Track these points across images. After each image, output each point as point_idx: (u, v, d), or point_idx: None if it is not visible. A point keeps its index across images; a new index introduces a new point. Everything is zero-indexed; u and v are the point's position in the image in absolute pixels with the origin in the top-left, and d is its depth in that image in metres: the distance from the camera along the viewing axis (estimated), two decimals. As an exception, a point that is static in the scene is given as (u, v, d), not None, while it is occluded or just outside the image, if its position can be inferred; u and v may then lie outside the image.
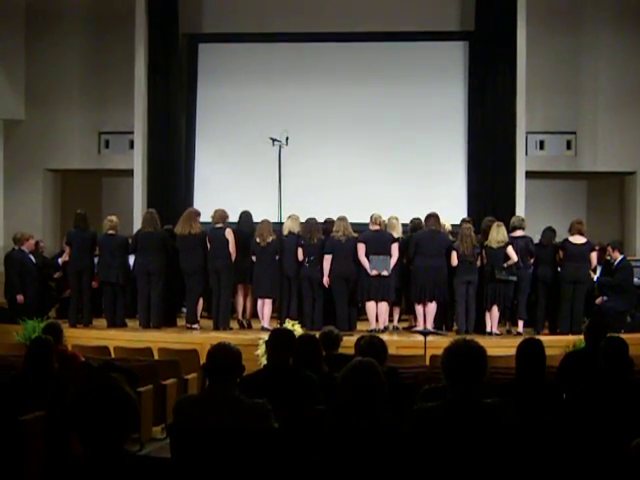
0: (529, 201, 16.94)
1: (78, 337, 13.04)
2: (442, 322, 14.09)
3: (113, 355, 11.00)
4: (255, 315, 14.28)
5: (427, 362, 10.33)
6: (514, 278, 13.58)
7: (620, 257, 14.34)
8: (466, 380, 4.64)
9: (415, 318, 14.02)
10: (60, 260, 15.27)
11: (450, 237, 14.05)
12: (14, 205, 18.75)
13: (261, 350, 11.79)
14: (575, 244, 13.70)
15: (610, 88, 17.92)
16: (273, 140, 12.53)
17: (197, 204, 16.88)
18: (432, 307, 13.67)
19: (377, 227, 13.81)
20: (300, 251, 13.85)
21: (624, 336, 7.45)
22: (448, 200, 17.19)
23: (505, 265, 13.47)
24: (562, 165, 18.22)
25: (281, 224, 13.55)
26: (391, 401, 4.79)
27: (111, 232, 14.29)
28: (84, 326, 14.23)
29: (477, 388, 4.66)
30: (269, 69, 18.26)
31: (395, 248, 13.69)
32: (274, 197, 12.56)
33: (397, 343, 12.59)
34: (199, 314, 14.25)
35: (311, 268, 13.79)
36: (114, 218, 14.45)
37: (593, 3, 18.04)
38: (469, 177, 17.89)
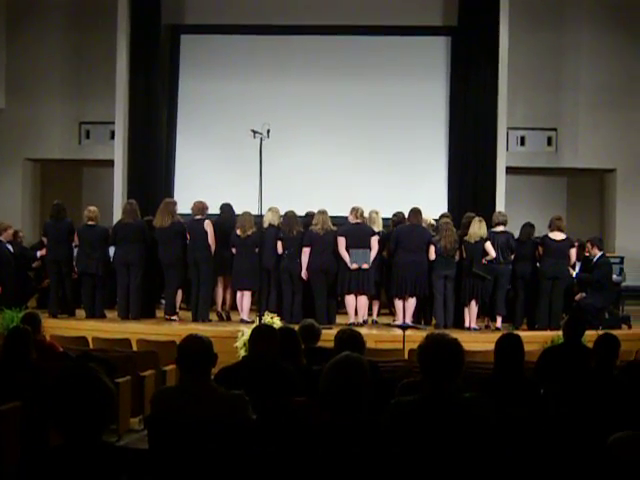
0: (509, 197, 16.99)
1: (56, 327, 13.03)
2: (421, 316, 14.14)
3: (91, 346, 10.97)
4: (234, 307, 14.30)
5: (406, 356, 10.34)
6: (489, 277, 13.61)
7: (599, 254, 14.39)
8: (442, 374, 4.64)
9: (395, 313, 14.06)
10: (39, 253, 15.22)
11: (431, 232, 14.07)
12: (-6, 194, 18.68)
13: (240, 342, 11.79)
14: (554, 240, 13.74)
15: (591, 85, 18.00)
16: (254, 132, 12.49)
17: (177, 195, 16.83)
18: (412, 302, 13.70)
19: (357, 220, 13.83)
20: (279, 244, 13.86)
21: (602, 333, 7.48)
22: (428, 195, 17.20)
23: (484, 261, 13.52)
24: (542, 161, 18.29)
25: (262, 216, 13.55)
26: (371, 395, 4.79)
27: (91, 223, 14.25)
28: (68, 316, 14.25)
29: (454, 382, 4.66)
30: (251, 61, 18.23)
31: (375, 241, 13.71)
32: (255, 189, 12.54)
33: (376, 337, 12.61)
34: (178, 306, 14.25)
35: (290, 261, 13.80)
36: (93, 209, 14.41)
37: (574, 1, 18.10)
38: (450, 172, 17.93)
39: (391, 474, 4.40)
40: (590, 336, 8.15)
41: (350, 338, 6.82)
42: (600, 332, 7.71)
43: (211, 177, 17.83)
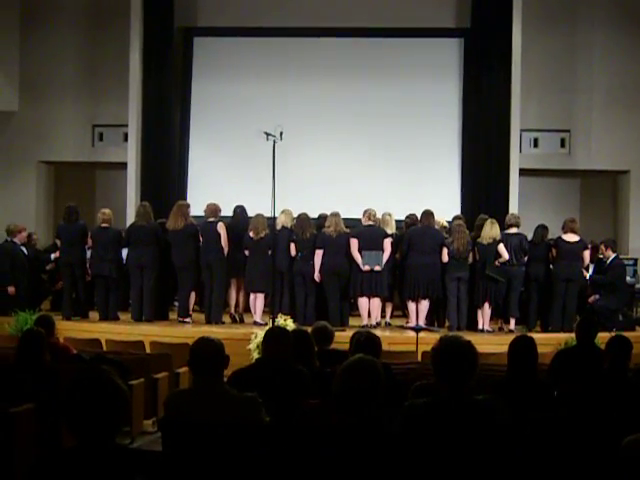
0: (522, 199, 16.95)
1: (70, 330, 13.03)
2: (434, 318, 14.12)
3: (105, 348, 10.98)
4: (247, 309, 14.29)
5: (419, 358, 10.33)
6: (502, 279, 13.57)
7: (613, 255, 14.36)
8: (455, 376, 4.63)
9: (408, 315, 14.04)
10: (53, 256, 15.23)
11: (444, 234, 14.05)
12: (7, 197, 18.72)
13: (253, 344, 11.80)
14: (568, 242, 13.71)
15: (604, 87, 17.96)
16: (267, 135, 12.50)
17: (190, 198, 16.89)
18: (425, 304, 13.68)
19: (370, 222, 13.82)
20: (292, 246, 13.86)
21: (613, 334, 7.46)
22: (442, 197, 17.19)
23: (497, 263, 13.48)
24: (556, 163, 18.25)
25: (275, 219, 13.55)
26: (384, 397, 4.78)
27: (104, 225, 14.27)
28: (82, 318, 14.28)
29: (467, 384, 4.65)
30: (264, 64, 18.25)
31: (388, 243, 13.70)
32: (268, 191, 12.55)
33: (389, 339, 12.56)
34: (191, 308, 14.25)
35: (303, 263, 13.80)
36: (107, 211, 14.43)
37: (588, 2, 18.07)
38: (463, 174, 17.91)
39: (405, 476, 4.39)
40: (604, 338, 8.12)
41: (368, 341, 6.79)
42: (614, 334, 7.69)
43: (224, 179, 17.85)
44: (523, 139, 17.83)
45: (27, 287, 14.95)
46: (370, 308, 13.69)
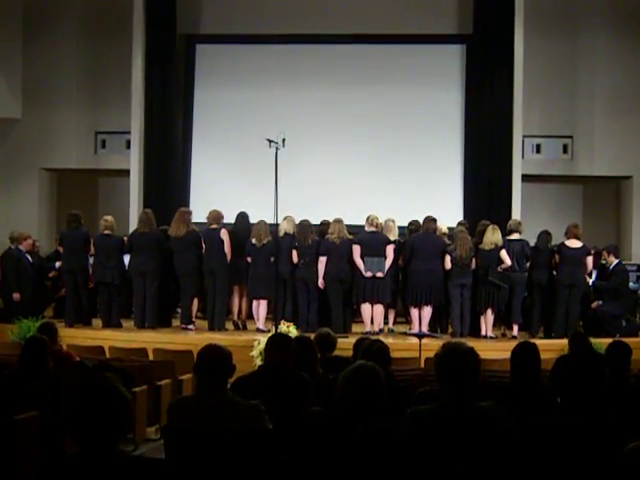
0: (525, 204, 16.95)
1: (73, 337, 13.04)
2: (437, 325, 14.11)
3: (108, 355, 10.98)
4: (250, 316, 14.30)
5: (422, 365, 10.32)
6: (505, 285, 13.57)
7: (615, 261, 14.35)
8: (458, 382, 4.64)
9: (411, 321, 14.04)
10: (57, 264, 15.21)
11: (446, 240, 14.06)
12: (10, 204, 18.72)
13: (256, 351, 11.79)
14: (571, 248, 13.70)
15: (607, 93, 17.95)
16: (270, 141, 12.51)
17: (193, 205, 16.88)
18: (427, 310, 13.68)
19: (373, 229, 13.83)
20: (295, 253, 13.85)
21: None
22: (444, 203, 17.16)
23: (499, 269, 13.48)
24: (558, 169, 18.24)
25: (277, 225, 13.55)
26: (387, 404, 4.78)
27: (107, 232, 14.29)
28: (84, 325, 14.28)
29: (470, 390, 4.66)
30: (266, 71, 18.25)
31: (390, 250, 13.70)
32: (270, 198, 12.55)
33: (392, 346, 12.27)
34: (194, 315, 14.25)
35: (306, 270, 13.79)
36: (110, 218, 14.45)
37: (590, 8, 18.06)
38: (465, 180, 17.89)
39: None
40: (606, 344, 8.12)
41: (379, 351, 6.80)
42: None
43: (226, 186, 17.85)
44: (525, 145, 17.83)
45: (31, 294, 14.95)
46: (373, 314, 13.69)
